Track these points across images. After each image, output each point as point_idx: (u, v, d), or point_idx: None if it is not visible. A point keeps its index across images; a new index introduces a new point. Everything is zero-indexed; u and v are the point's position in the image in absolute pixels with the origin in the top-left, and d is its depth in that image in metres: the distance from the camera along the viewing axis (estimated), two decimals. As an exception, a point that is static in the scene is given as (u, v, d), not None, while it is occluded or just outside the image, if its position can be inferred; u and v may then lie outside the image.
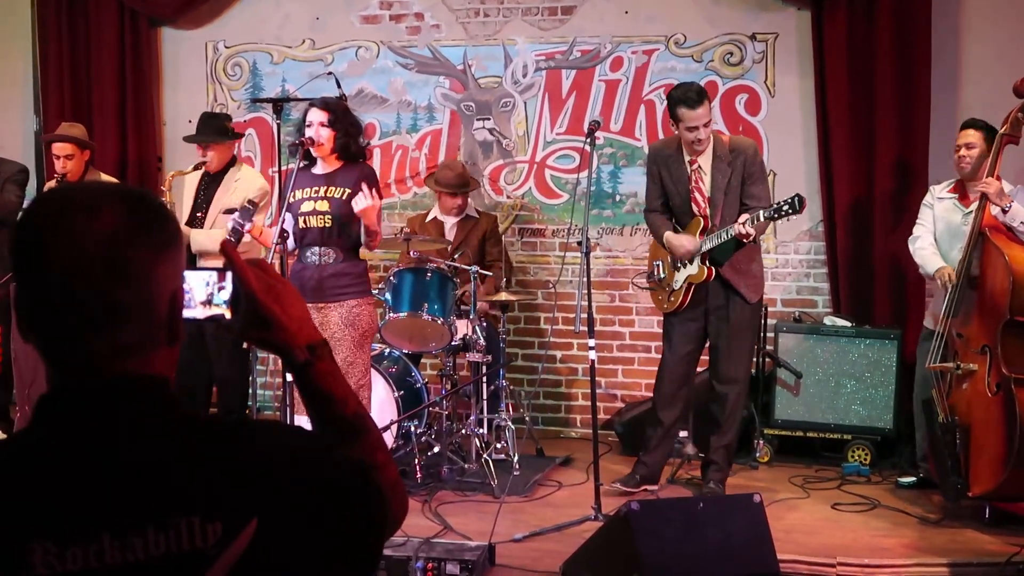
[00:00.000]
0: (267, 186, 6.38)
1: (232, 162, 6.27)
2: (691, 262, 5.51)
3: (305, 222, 5.25)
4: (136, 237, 1.34)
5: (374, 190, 5.11)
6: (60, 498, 1.28)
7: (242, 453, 1.37)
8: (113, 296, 1.32)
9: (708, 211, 5.50)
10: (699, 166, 5.54)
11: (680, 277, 5.58)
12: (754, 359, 5.98)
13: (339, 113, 5.27)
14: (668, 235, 5.58)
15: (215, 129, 6.21)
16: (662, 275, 5.73)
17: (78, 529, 1.27)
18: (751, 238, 5.32)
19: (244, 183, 6.17)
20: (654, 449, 5.78)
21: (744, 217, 5.28)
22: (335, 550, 1.40)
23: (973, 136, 5.56)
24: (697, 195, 5.55)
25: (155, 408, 1.36)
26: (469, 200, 6.90)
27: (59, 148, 6.47)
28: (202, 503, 1.30)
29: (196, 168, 6.17)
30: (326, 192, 5.23)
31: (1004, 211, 5.18)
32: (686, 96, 5.38)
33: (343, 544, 1.41)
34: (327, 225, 5.21)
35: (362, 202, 5.01)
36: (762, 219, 5.25)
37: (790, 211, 5.21)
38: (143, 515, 1.28)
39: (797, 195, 5.21)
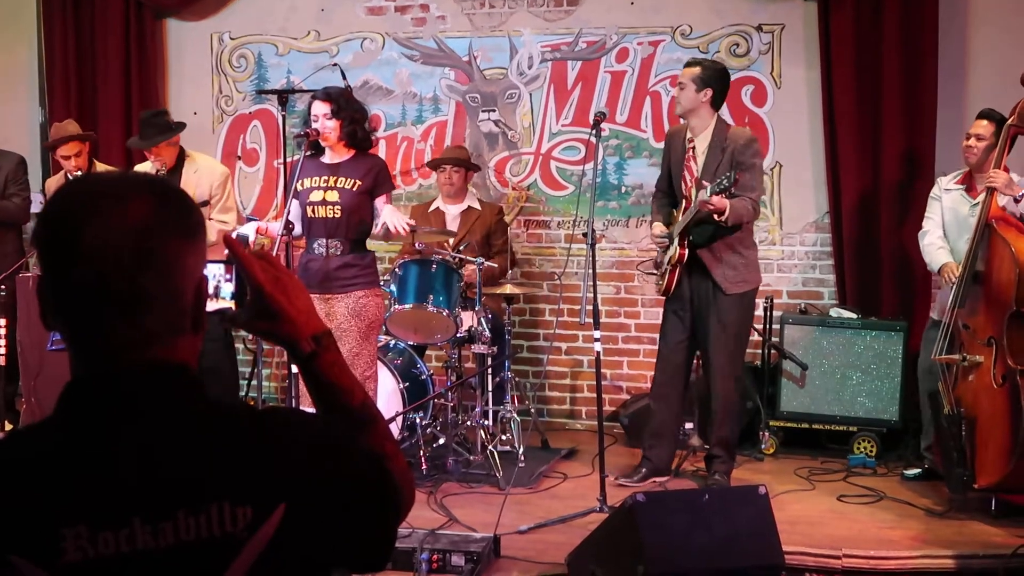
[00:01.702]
0: (227, 171, 6.37)
1: (182, 154, 6.22)
2: (672, 242, 5.54)
3: (313, 211, 5.26)
4: (165, 226, 1.37)
5: (389, 198, 5.33)
6: (90, 483, 1.30)
7: (270, 440, 1.40)
8: (143, 284, 1.35)
9: (692, 192, 5.50)
10: (695, 147, 5.58)
11: (666, 259, 5.62)
12: (746, 351, 5.89)
13: (342, 102, 5.27)
14: (654, 226, 5.70)
15: (158, 128, 6.12)
16: (662, 259, 5.75)
17: (109, 514, 1.29)
18: (723, 217, 5.27)
19: (205, 173, 6.14)
20: (655, 443, 5.78)
21: (705, 190, 5.28)
22: (355, 536, 1.44)
23: (983, 127, 5.51)
24: (687, 174, 5.59)
25: (184, 394, 1.38)
26: (472, 190, 6.90)
27: (66, 149, 6.42)
28: (232, 488, 1.33)
29: (158, 172, 6.06)
30: (336, 182, 5.24)
31: (1016, 200, 5.16)
32: (688, 60, 5.73)
33: (363, 530, 1.45)
34: (336, 216, 5.22)
35: (397, 222, 5.21)
36: (710, 193, 5.22)
37: (727, 184, 5.16)
38: (173, 500, 1.31)
39: (734, 170, 5.22)
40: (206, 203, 6.03)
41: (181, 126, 6.31)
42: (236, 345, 6.71)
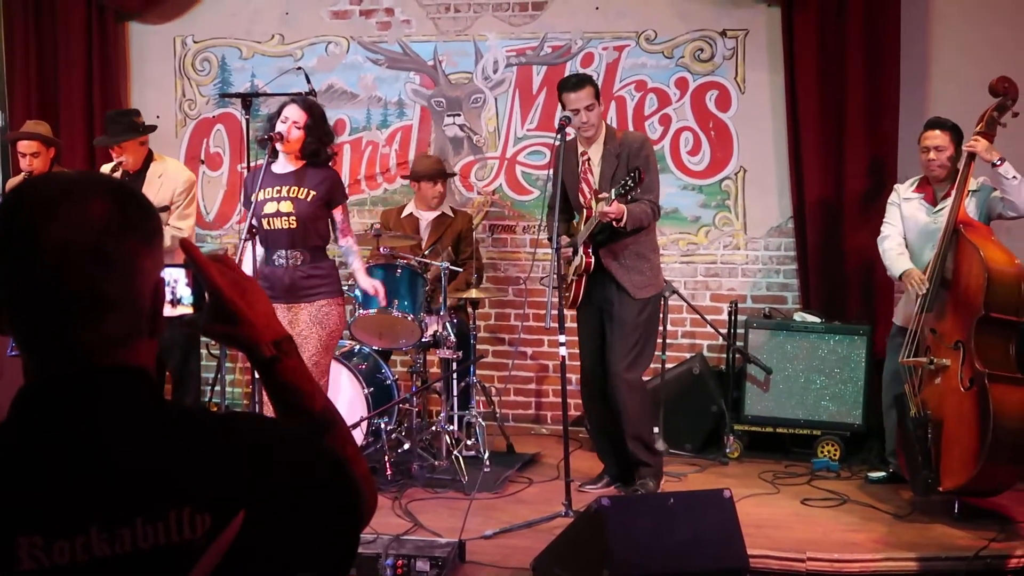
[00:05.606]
0: (193, 177, 6.33)
1: (150, 156, 6.18)
2: (575, 253, 5.55)
3: (269, 223, 5.16)
4: (124, 228, 1.34)
5: (345, 209, 5.36)
6: (46, 491, 1.27)
7: (231, 445, 1.37)
8: (101, 286, 1.32)
9: (592, 202, 5.51)
10: (589, 157, 5.61)
11: (571, 269, 5.62)
12: (654, 356, 5.86)
13: (317, 119, 5.21)
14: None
15: (125, 127, 6.07)
16: (567, 270, 5.73)
17: (65, 522, 1.26)
18: (622, 223, 5.30)
19: (169, 177, 6.09)
20: (600, 449, 5.86)
21: (602, 196, 5.31)
22: (317, 542, 1.41)
23: (940, 138, 5.51)
24: (584, 185, 5.61)
25: (142, 399, 1.36)
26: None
27: (24, 146, 6.41)
28: (192, 495, 1.30)
29: (114, 170, 6.03)
30: (289, 192, 5.17)
31: (994, 165, 5.17)
32: (567, 81, 5.63)
33: (325, 536, 1.42)
34: (292, 227, 5.15)
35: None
36: (613, 197, 5.24)
37: (632, 184, 5.20)
38: (132, 507, 1.28)
39: (637, 168, 5.24)
40: (166, 208, 5.98)
41: (149, 128, 6.25)
42: (200, 351, 6.65)
